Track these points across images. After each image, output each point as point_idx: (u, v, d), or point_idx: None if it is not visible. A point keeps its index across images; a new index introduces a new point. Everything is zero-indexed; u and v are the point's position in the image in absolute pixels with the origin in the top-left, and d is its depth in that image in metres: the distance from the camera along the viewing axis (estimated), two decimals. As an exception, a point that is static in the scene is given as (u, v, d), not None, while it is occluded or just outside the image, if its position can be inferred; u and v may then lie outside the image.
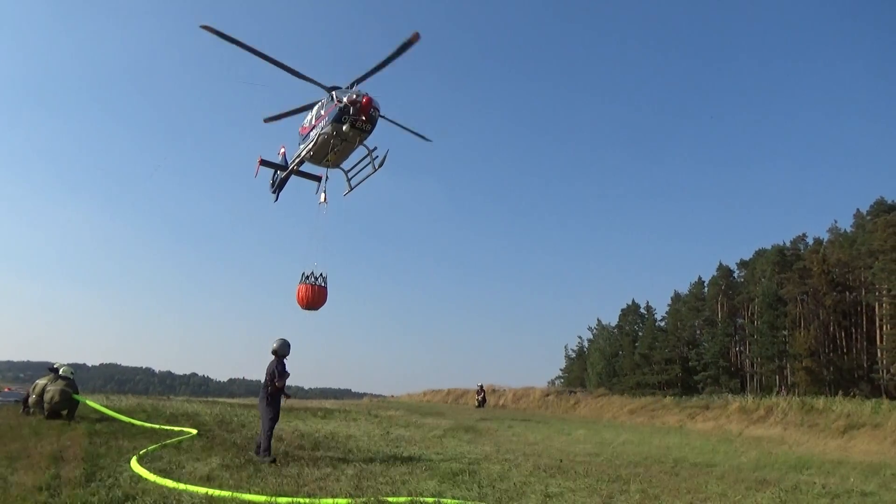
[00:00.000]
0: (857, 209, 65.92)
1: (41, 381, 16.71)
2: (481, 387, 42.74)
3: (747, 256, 72.83)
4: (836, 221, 69.33)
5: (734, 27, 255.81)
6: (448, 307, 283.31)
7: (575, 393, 45.07)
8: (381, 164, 18.31)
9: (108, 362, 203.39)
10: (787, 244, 69.52)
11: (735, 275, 73.54)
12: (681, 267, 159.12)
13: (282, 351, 11.43)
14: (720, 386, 58.82)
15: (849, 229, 65.49)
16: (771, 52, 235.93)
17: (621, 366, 76.10)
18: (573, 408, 39.58)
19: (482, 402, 40.93)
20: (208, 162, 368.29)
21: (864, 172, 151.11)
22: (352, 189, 19.34)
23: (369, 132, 17.42)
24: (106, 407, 18.19)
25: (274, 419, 11.20)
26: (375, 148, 18.42)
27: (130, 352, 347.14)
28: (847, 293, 60.77)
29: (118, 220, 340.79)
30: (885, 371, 52.40)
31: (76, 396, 16.53)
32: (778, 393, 39.10)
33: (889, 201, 60.16)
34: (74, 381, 16.72)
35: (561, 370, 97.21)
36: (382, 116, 17.31)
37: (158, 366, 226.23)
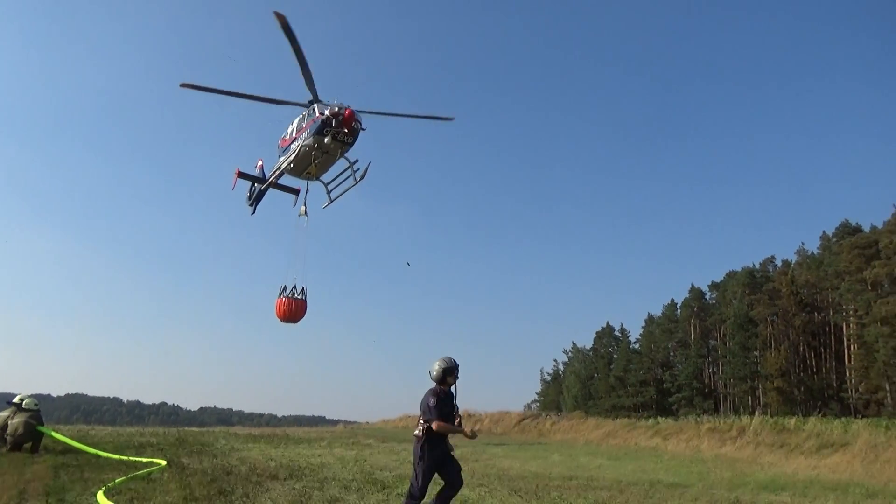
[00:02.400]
0: (824, 231, 67.58)
1: (3, 414, 16.22)
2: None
3: (718, 278, 74.05)
4: (803, 244, 71.03)
5: (701, 51, 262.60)
6: (422, 331, 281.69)
7: (550, 416, 45.03)
8: (362, 177, 18.26)
9: (74, 392, 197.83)
10: (757, 266, 70.86)
11: (707, 296, 74.61)
12: (654, 289, 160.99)
13: (436, 375, 7.87)
14: (694, 407, 59.30)
15: (815, 251, 67.02)
16: (738, 75, 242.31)
17: (597, 388, 76.37)
18: (549, 431, 39.51)
19: (458, 428, 40.68)
20: (176, 187, 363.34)
21: (830, 195, 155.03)
22: (332, 201, 19.31)
23: (351, 144, 17.39)
24: (73, 439, 17.71)
25: (426, 472, 7.59)
26: (356, 160, 18.45)
27: (97, 381, 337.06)
28: (815, 314, 61.98)
29: (81, 245, 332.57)
30: (854, 390, 53.34)
31: (41, 428, 16.08)
32: (750, 413, 39.52)
33: (854, 224, 61.79)
34: (39, 412, 16.28)
35: (537, 394, 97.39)
36: (363, 129, 17.46)
37: (126, 395, 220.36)
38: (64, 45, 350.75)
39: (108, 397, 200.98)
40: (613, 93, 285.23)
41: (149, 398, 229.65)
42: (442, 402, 7.63)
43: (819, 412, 33.72)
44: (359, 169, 18.31)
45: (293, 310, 17.58)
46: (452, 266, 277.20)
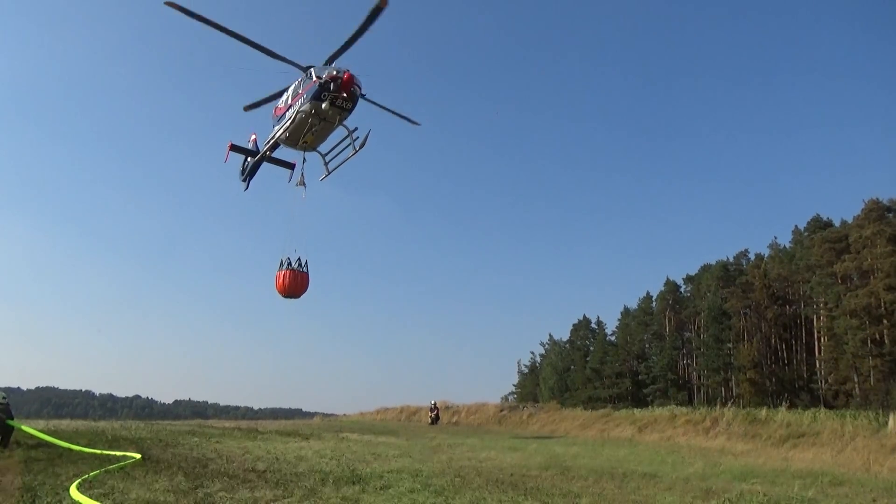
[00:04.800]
0: (796, 226, 68.49)
1: (-28, 407, 15.87)
2: (434, 404, 42.69)
3: (693, 272, 74.81)
4: (775, 238, 72.11)
5: (676, 51, 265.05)
6: (400, 323, 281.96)
7: (527, 408, 45.36)
8: (362, 146, 17.34)
9: (44, 385, 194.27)
10: (731, 259, 71.82)
11: (682, 289, 75.36)
12: (630, 282, 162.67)
13: None
14: (669, 398, 60.05)
15: (788, 245, 68.00)
16: (711, 74, 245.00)
17: (573, 380, 76.95)
18: (526, 422, 39.80)
19: (436, 419, 40.84)
20: (148, 176, 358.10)
21: (802, 191, 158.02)
22: (329, 173, 18.11)
23: (350, 111, 16.51)
24: (44, 433, 17.40)
25: None
26: (356, 128, 17.44)
27: (68, 374, 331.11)
28: (787, 306, 63.00)
29: (49, 234, 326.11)
30: (823, 381, 54.41)
31: (11, 422, 15.78)
32: (723, 405, 40.15)
33: (825, 218, 62.84)
34: (9, 405, 15.96)
35: (514, 385, 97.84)
36: (363, 95, 16.51)
37: (99, 388, 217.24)
38: (21, 23, 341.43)
39: (80, 390, 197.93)
40: (591, 91, 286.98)
41: (122, 391, 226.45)
42: None
43: (789, 403, 34.30)
44: (358, 137, 17.30)
45: (297, 283, 16.96)
46: (430, 259, 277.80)
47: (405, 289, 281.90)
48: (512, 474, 13.51)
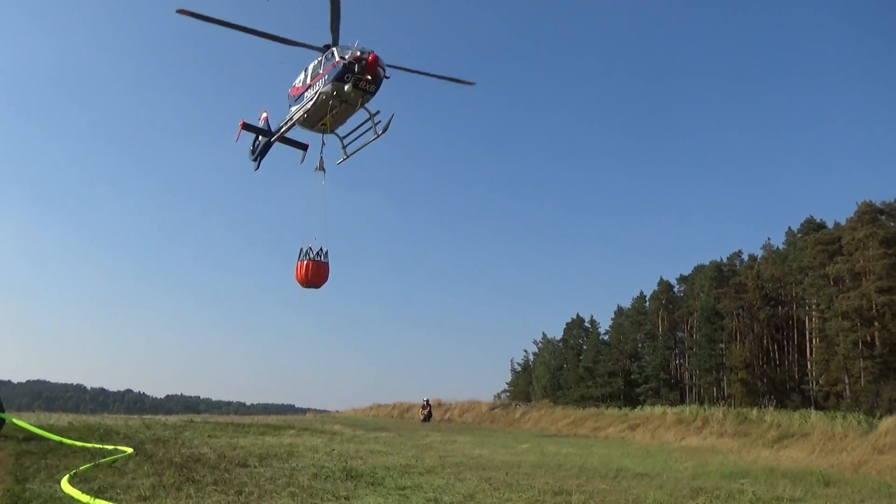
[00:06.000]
0: (789, 227, 68.89)
1: (-37, 400, 15.84)
2: (427, 401, 42.79)
3: (686, 272, 75.05)
4: (769, 239, 72.43)
5: (670, 50, 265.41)
6: (393, 321, 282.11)
7: (520, 406, 45.48)
8: (384, 130, 16.84)
9: (35, 379, 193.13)
10: (724, 260, 72.09)
11: (675, 289, 75.61)
12: (624, 281, 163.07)
13: None
14: (661, 398, 60.27)
15: (781, 246, 68.33)
16: (706, 73, 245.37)
17: (566, 379, 77.14)
18: (518, 421, 39.89)
19: (428, 417, 40.94)
20: (142, 171, 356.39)
21: (795, 192, 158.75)
22: (347, 157, 17.74)
23: (373, 94, 15.95)
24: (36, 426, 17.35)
25: None
26: (378, 112, 16.85)
27: (60, 367, 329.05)
28: (779, 307, 63.29)
29: (41, 226, 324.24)
30: (814, 382, 54.73)
31: (2, 415, 15.75)
32: (714, 404, 40.32)
33: (818, 220, 63.18)
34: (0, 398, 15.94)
35: (507, 384, 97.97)
36: (387, 77, 15.89)
37: (90, 382, 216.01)
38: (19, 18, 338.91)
39: (71, 384, 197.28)
40: (586, 90, 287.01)
41: (113, 385, 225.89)
42: None
43: (776, 403, 34.55)
44: (380, 121, 16.76)
45: (318, 273, 16.68)
46: (423, 256, 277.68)
47: (399, 286, 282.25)
48: (505, 472, 13.55)
